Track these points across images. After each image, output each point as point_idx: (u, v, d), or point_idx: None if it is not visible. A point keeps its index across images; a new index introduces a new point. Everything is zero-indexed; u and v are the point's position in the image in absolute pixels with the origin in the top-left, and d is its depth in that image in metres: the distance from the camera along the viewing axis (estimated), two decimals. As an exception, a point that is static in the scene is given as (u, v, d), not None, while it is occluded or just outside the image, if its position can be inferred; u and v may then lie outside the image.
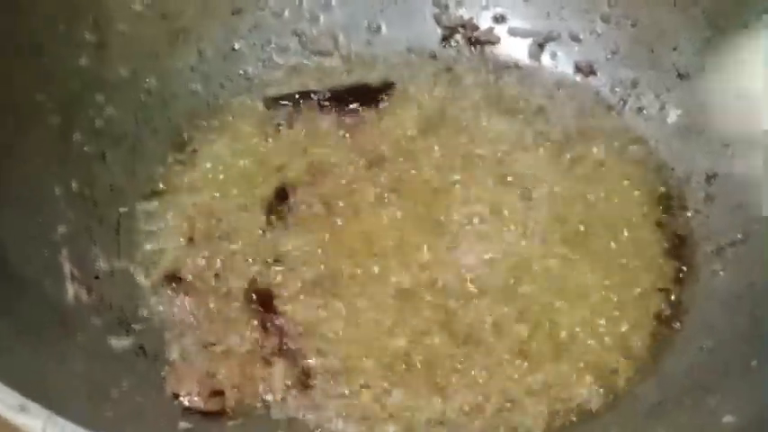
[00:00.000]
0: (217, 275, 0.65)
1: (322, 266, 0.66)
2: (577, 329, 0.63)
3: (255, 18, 0.77)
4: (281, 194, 0.69)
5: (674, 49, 0.73)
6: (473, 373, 0.61)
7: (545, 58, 0.77)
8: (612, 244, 0.67)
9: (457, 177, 0.70)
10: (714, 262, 0.65)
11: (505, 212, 0.68)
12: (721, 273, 0.65)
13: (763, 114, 0.59)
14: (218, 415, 0.60)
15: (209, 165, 0.71)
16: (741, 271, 0.63)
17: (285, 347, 0.62)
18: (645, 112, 0.74)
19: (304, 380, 0.61)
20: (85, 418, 0.46)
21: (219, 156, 0.72)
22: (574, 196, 0.70)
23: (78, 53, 0.68)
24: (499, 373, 0.61)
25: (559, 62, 0.77)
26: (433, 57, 0.78)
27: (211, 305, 0.64)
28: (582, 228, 0.68)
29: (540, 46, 0.77)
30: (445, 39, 0.79)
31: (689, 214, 0.69)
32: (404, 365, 0.62)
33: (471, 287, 0.65)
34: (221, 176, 0.70)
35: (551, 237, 0.67)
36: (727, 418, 0.52)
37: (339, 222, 0.68)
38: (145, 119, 0.71)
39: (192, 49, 0.75)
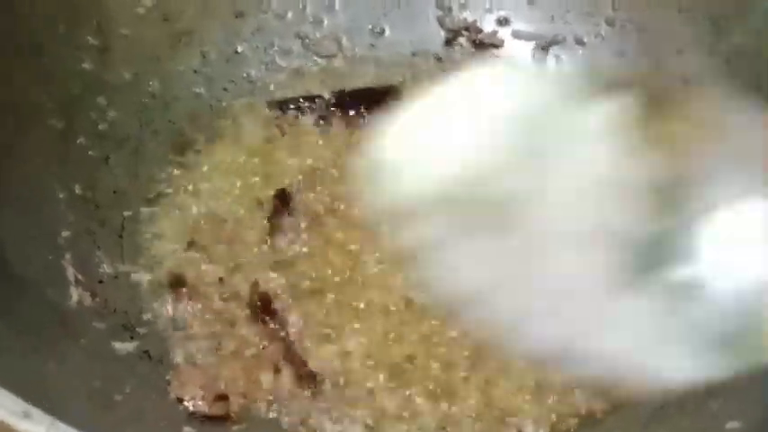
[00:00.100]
0: (220, 279, 0.65)
1: (327, 270, 0.66)
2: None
3: (258, 21, 0.77)
4: (284, 198, 0.69)
5: (679, 53, 0.73)
6: (478, 377, 0.61)
7: (549, 62, 0.77)
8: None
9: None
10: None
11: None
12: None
13: None
14: (223, 419, 0.59)
15: (212, 168, 0.71)
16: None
17: (290, 352, 0.62)
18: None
19: (309, 384, 0.61)
20: (88, 423, 0.46)
21: (222, 159, 0.71)
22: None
23: (81, 56, 0.68)
24: (503, 377, 0.61)
25: (563, 66, 0.77)
26: (437, 59, 0.78)
27: (215, 309, 0.64)
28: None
29: (544, 49, 0.77)
30: (449, 42, 0.78)
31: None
32: (410, 369, 0.62)
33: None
34: (224, 180, 0.70)
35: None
36: (731, 424, 0.52)
37: (342, 226, 0.68)
38: (148, 122, 0.71)
39: (195, 52, 0.74)
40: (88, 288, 0.62)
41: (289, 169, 0.71)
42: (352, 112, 0.74)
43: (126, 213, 0.67)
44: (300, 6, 0.78)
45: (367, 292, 0.65)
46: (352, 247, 0.67)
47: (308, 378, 0.61)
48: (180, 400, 0.59)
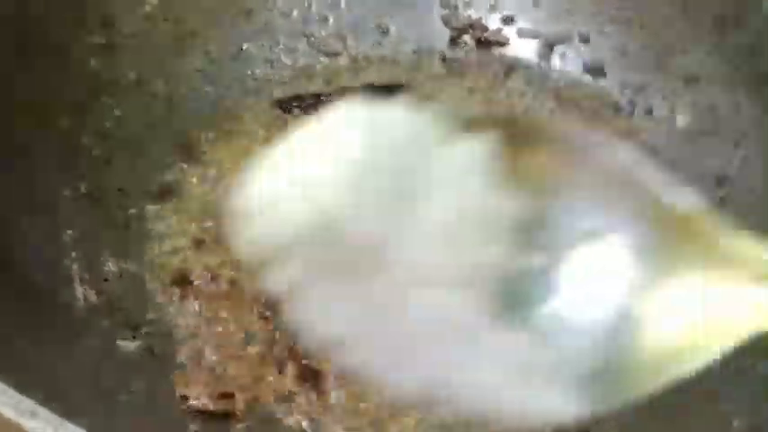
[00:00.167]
0: (225, 278, 0.65)
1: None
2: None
3: (264, 19, 0.77)
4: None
5: (684, 51, 0.73)
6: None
7: (554, 60, 0.77)
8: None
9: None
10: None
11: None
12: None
13: None
14: (228, 417, 0.59)
15: (217, 166, 0.71)
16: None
17: (296, 350, 0.62)
18: (654, 114, 0.74)
19: (315, 383, 0.61)
20: (94, 422, 0.46)
21: (228, 157, 0.71)
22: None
23: (86, 55, 0.68)
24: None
25: (568, 63, 0.77)
26: (442, 58, 0.78)
27: (220, 307, 0.64)
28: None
29: (550, 47, 0.77)
30: (454, 40, 0.78)
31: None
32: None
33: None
34: (229, 178, 0.70)
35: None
36: (738, 423, 0.52)
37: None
38: (153, 121, 0.71)
39: (200, 51, 0.74)
40: (93, 286, 0.62)
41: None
42: (356, 111, 0.74)
43: (131, 211, 0.67)
44: (306, 5, 0.78)
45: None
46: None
47: (314, 377, 0.61)
48: (185, 398, 0.59)
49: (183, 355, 0.62)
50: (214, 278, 0.65)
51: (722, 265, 0.39)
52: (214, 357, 0.62)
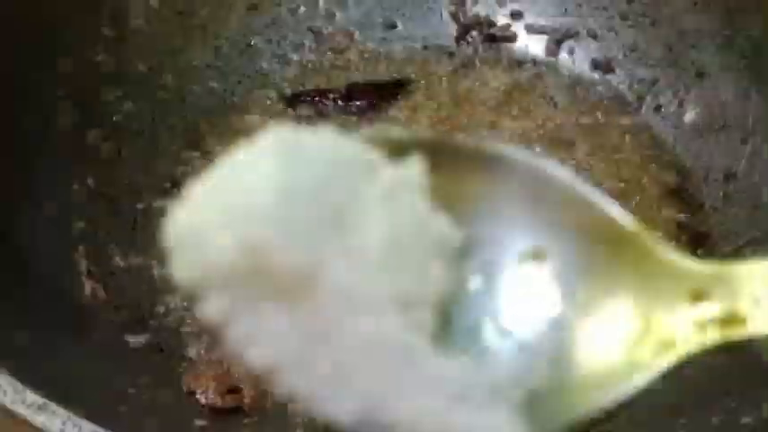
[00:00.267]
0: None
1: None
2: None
3: (272, 14, 0.77)
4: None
5: (693, 47, 0.73)
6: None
7: (562, 55, 0.77)
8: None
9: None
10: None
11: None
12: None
13: None
14: (235, 412, 0.59)
15: (225, 161, 0.71)
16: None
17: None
18: (662, 110, 0.74)
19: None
20: (103, 416, 0.46)
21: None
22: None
23: (95, 49, 0.68)
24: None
25: (577, 59, 0.77)
26: (450, 54, 0.78)
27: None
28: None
29: (558, 43, 0.77)
30: (461, 36, 0.78)
31: (707, 213, 0.69)
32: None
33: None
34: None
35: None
36: (746, 419, 0.52)
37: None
38: (161, 115, 0.71)
39: (209, 46, 0.75)
40: (101, 280, 0.62)
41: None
42: (363, 106, 0.74)
43: (139, 206, 0.67)
44: (313, 0, 0.78)
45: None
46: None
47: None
48: (192, 393, 0.59)
49: (190, 350, 0.62)
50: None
51: (661, 281, 0.39)
52: (222, 352, 0.62)
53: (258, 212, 0.34)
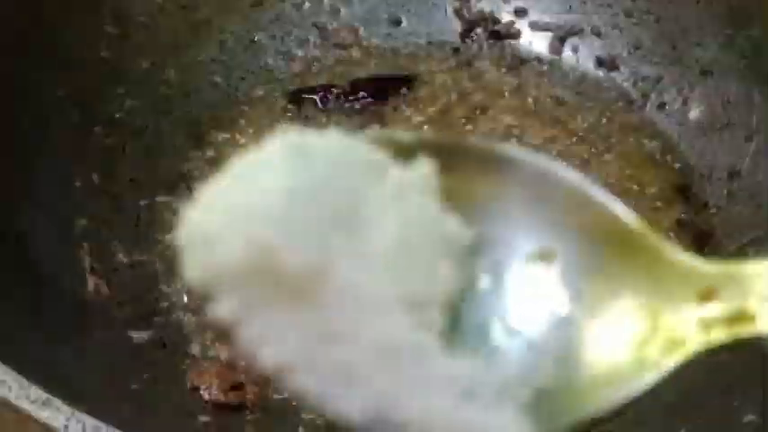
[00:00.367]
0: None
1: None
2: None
3: (276, 10, 0.77)
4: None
5: (698, 44, 0.73)
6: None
7: (566, 53, 0.77)
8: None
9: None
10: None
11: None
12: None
13: None
14: (238, 408, 0.59)
15: (229, 157, 0.71)
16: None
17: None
18: (667, 107, 0.74)
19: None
20: (106, 412, 0.46)
21: (240, 148, 0.71)
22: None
23: (98, 45, 0.68)
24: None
25: (581, 56, 0.77)
26: (454, 50, 0.78)
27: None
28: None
29: (562, 40, 0.77)
30: (465, 32, 0.78)
31: (711, 211, 0.69)
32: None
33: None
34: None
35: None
36: (748, 417, 0.52)
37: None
38: (165, 111, 0.71)
39: (213, 41, 0.75)
40: (104, 277, 0.62)
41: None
42: (367, 102, 0.74)
43: (142, 202, 0.67)
44: (318, -4, 0.78)
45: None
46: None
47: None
48: (196, 389, 0.59)
49: (194, 346, 0.62)
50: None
51: (669, 280, 0.39)
52: (226, 348, 0.62)
53: (268, 213, 0.34)
